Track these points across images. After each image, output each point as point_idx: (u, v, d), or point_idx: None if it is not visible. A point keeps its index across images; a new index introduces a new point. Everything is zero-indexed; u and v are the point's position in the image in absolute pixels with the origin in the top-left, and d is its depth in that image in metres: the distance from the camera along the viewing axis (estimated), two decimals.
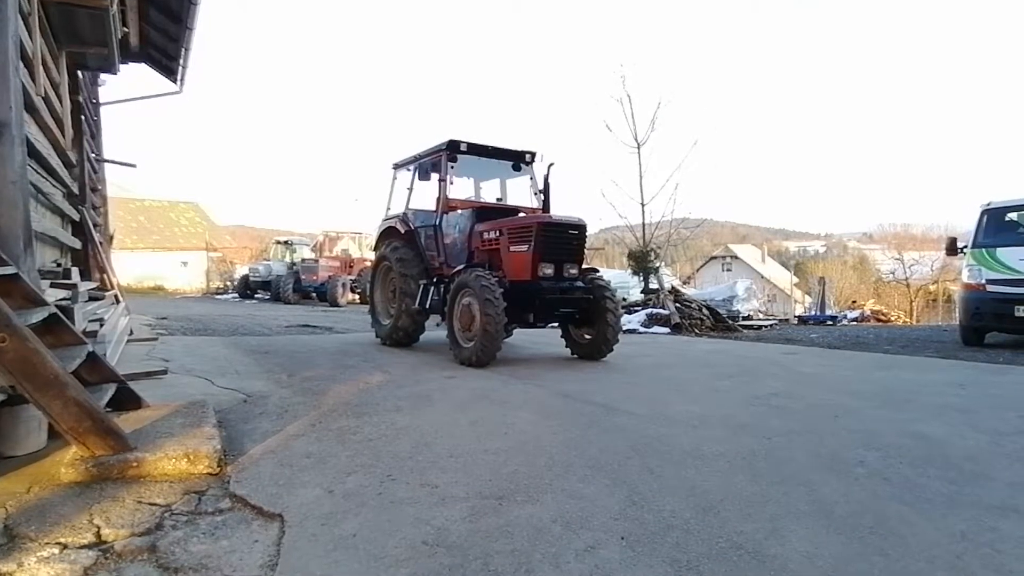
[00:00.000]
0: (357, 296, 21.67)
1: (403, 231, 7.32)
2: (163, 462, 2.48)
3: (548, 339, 7.83)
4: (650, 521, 2.17)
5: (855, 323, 17.68)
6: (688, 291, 16.25)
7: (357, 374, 5.14)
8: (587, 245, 6.59)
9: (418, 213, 7.37)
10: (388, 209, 7.93)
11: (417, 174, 7.24)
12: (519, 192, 7.60)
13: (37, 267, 3.50)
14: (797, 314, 19.25)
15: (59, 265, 5.16)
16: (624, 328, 7.64)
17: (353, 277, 22.10)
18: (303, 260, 22.99)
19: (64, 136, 5.56)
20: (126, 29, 7.09)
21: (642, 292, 13.57)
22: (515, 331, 7.32)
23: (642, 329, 10.93)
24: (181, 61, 8.13)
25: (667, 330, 10.87)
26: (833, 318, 17.40)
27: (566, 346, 6.68)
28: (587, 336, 6.44)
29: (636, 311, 11.87)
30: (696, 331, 10.90)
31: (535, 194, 7.21)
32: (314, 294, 21.73)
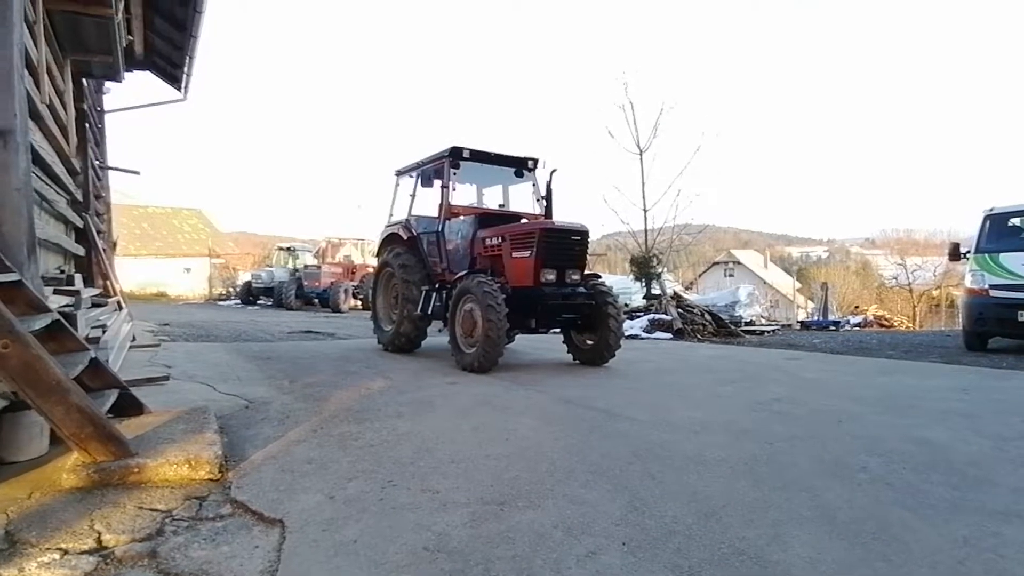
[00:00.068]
0: (359, 302, 21.70)
1: (406, 237, 7.33)
2: (164, 468, 2.48)
3: (550, 345, 7.83)
4: (652, 527, 2.16)
5: (858, 328, 17.65)
6: (690, 297, 16.22)
7: (359, 380, 5.15)
8: (589, 251, 6.59)
9: (421, 219, 7.40)
10: (391, 215, 7.96)
11: (420, 180, 7.27)
12: (522, 198, 7.63)
13: (41, 274, 3.52)
14: (800, 319, 19.17)
15: (62, 272, 5.18)
16: (626, 334, 7.63)
17: (355, 283, 22.14)
18: (306, 266, 23.06)
19: (68, 143, 5.60)
20: (131, 37, 7.14)
21: (644, 298, 13.57)
22: (517, 337, 7.34)
23: (644, 335, 10.91)
24: (185, 69, 8.18)
25: (669, 336, 10.86)
26: (836, 323, 17.35)
27: (568, 352, 6.68)
28: (589, 342, 6.44)
29: (638, 317, 11.86)
30: (698, 337, 10.88)
31: (537, 200, 7.23)
32: (316, 300, 21.79)
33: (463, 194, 7.50)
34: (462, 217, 6.97)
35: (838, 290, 30.65)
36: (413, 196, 7.45)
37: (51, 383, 2.30)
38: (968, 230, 12.40)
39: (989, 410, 4.23)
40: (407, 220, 7.42)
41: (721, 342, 10.43)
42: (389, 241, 7.74)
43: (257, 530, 2.11)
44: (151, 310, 16.59)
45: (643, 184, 13.62)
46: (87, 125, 7.38)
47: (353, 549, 1.97)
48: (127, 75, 7.68)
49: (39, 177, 4.16)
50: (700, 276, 43.63)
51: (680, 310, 11.68)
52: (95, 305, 5.95)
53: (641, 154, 13.56)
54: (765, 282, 35.31)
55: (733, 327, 11.86)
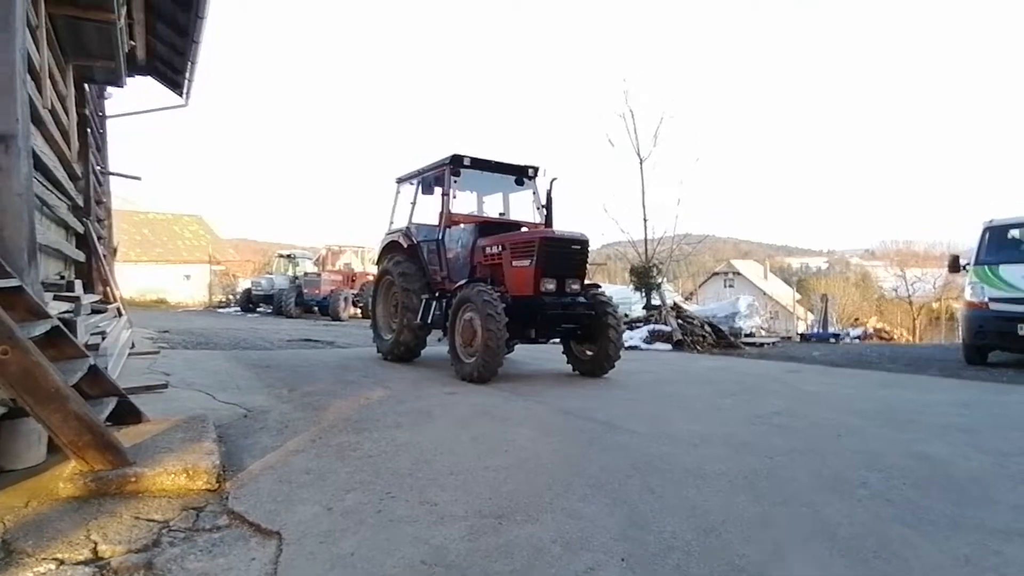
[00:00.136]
0: (359, 310, 21.67)
1: (406, 245, 7.33)
2: (162, 477, 2.47)
3: (550, 355, 7.81)
4: (651, 542, 2.15)
5: (858, 341, 17.65)
6: (690, 307, 16.22)
7: (358, 389, 5.13)
8: (589, 260, 6.60)
9: (421, 227, 7.40)
10: (391, 223, 7.97)
11: (420, 188, 7.27)
12: (522, 207, 7.65)
13: (41, 279, 3.52)
14: (799, 331, 19.15)
15: (63, 277, 5.19)
16: (626, 344, 7.61)
17: (355, 291, 22.11)
18: (305, 274, 23.04)
19: (70, 149, 5.62)
20: (133, 43, 7.18)
21: (644, 308, 13.55)
22: (517, 347, 7.31)
23: (644, 345, 10.90)
24: (187, 75, 8.22)
25: (669, 347, 10.84)
26: (836, 336, 17.35)
27: (568, 362, 6.67)
28: (589, 352, 6.43)
29: (638, 327, 11.85)
30: (698, 348, 10.87)
31: (538, 209, 7.24)
32: (316, 308, 21.73)
33: (464, 202, 7.53)
34: (462, 225, 6.97)
35: (838, 302, 30.65)
36: (413, 204, 7.46)
37: (50, 390, 2.29)
38: (968, 242, 12.42)
39: (989, 425, 4.22)
40: (407, 228, 7.43)
41: (721, 353, 10.42)
42: (389, 249, 7.74)
43: (254, 542, 2.09)
44: (151, 317, 16.58)
45: (643, 193, 13.66)
46: (89, 130, 7.41)
47: (350, 562, 1.95)
48: (129, 80, 7.71)
49: (40, 182, 4.17)
50: (700, 286, 43.63)
51: (680, 321, 11.67)
52: (95, 311, 5.94)
53: (641, 163, 13.60)
54: (765, 293, 35.32)
55: (733, 339, 11.84)
